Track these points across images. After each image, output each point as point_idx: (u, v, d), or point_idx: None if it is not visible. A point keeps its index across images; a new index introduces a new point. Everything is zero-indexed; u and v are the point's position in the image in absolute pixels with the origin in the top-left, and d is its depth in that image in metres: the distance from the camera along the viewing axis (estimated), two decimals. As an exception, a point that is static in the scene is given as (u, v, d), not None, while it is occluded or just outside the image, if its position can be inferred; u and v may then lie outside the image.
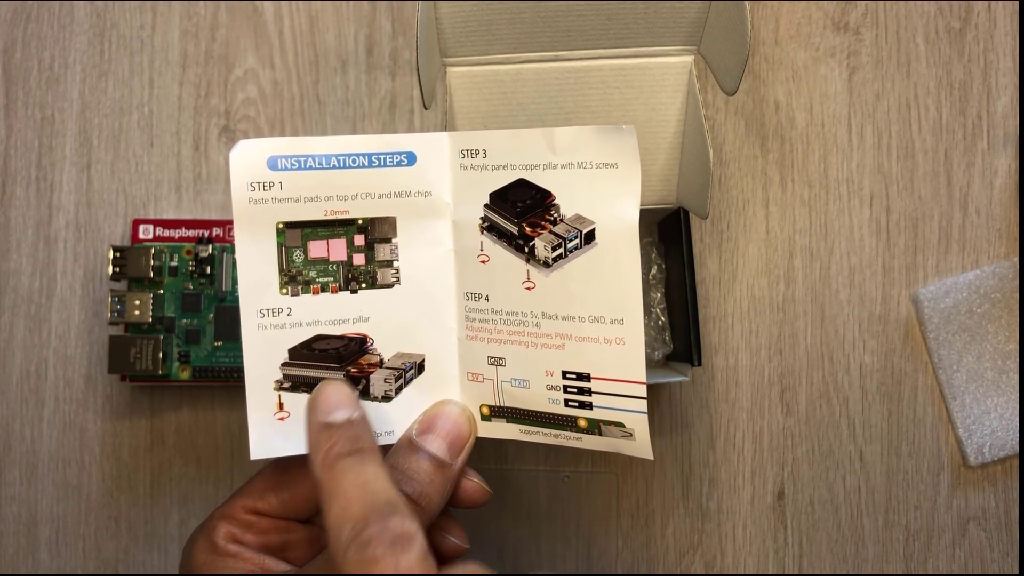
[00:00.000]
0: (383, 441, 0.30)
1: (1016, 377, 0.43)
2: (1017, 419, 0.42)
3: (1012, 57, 0.45)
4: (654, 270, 0.41)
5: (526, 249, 0.31)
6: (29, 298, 0.43)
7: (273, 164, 0.29)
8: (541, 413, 0.31)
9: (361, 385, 0.31)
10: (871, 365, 0.43)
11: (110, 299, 0.40)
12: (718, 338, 0.43)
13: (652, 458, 0.30)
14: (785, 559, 0.43)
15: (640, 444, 0.30)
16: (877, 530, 0.43)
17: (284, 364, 0.30)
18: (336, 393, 0.28)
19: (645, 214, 0.40)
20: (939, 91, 0.45)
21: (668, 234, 0.41)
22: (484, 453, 0.44)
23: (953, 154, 0.44)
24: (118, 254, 0.40)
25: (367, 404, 0.30)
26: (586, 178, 0.30)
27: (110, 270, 0.40)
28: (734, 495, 0.43)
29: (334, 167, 0.30)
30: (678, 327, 0.40)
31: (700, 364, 0.37)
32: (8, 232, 0.43)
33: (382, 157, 0.30)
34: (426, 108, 0.33)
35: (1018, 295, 0.43)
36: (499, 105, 0.36)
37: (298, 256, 0.30)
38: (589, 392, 0.30)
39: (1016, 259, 0.44)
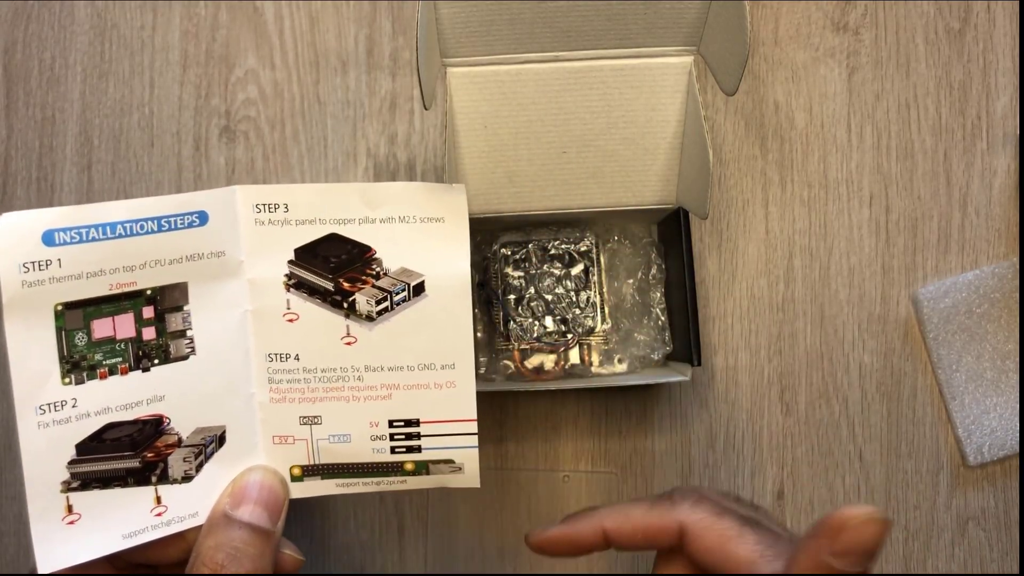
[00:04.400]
0: (187, 525, 0.28)
1: (1015, 377, 0.43)
2: (1016, 419, 0.43)
3: (1011, 57, 0.45)
4: (654, 270, 0.41)
5: (344, 305, 0.30)
6: (29, 298, 0.43)
7: (49, 239, 0.26)
8: (363, 464, 0.30)
9: (159, 469, 0.28)
10: (870, 365, 0.43)
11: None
12: (718, 338, 0.43)
13: (479, 486, 0.30)
14: (785, 559, 0.43)
15: (468, 476, 0.30)
16: (877, 530, 0.43)
17: (72, 462, 0.27)
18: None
19: (645, 214, 0.40)
20: (938, 91, 0.45)
21: (668, 234, 0.41)
22: (484, 453, 0.44)
23: (952, 154, 0.44)
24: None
25: (166, 488, 0.28)
26: (410, 232, 0.29)
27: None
28: (734, 495, 0.43)
29: (120, 236, 0.27)
30: (678, 327, 0.40)
31: (700, 364, 0.37)
32: (8, 232, 0.43)
33: (172, 220, 0.28)
34: (426, 108, 0.33)
35: (1017, 295, 0.43)
36: (499, 105, 0.36)
37: (81, 339, 0.27)
38: (418, 436, 0.30)
39: (1015, 259, 0.44)
